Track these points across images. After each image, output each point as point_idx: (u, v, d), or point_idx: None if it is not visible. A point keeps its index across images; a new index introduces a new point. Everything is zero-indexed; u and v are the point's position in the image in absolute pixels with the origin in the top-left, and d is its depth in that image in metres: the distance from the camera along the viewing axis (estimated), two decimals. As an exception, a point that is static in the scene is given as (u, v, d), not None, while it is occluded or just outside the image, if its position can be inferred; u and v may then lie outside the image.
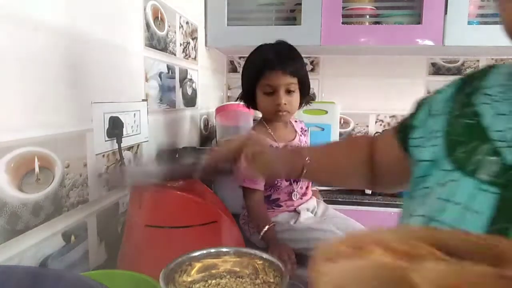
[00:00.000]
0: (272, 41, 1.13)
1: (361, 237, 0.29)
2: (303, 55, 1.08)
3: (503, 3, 0.44)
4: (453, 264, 0.26)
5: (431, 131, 0.57)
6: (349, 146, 0.76)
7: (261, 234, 0.93)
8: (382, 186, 0.74)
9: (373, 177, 0.71)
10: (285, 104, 1.02)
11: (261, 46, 1.07)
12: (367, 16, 1.51)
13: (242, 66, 1.12)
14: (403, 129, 0.64)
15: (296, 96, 1.03)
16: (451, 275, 0.25)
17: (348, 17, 1.48)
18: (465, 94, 0.56)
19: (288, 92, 1.02)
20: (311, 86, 1.10)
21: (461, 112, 0.54)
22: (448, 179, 0.49)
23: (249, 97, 1.08)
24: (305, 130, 1.15)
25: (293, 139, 1.07)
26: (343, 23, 1.45)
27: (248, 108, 1.11)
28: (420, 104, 0.63)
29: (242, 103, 1.12)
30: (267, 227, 0.93)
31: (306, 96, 1.07)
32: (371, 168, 0.70)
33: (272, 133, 1.05)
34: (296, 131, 1.10)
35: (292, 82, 1.01)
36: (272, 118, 1.04)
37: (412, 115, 0.63)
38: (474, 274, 0.25)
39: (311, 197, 1.10)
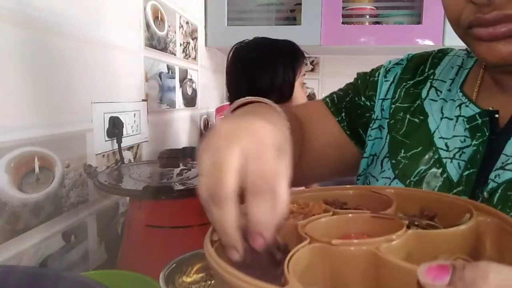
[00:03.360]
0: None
1: None
2: (303, 55, 1.08)
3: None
4: (341, 215, 0.31)
5: (382, 120, 0.53)
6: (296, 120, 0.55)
7: None
8: (305, 173, 0.58)
9: (300, 161, 0.56)
10: None
11: None
12: (367, 16, 1.51)
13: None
14: (351, 109, 0.56)
15: None
16: (337, 224, 0.31)
17: (348, 17, 1.48)
18: (414, 82, 0.52)
19: None
20: (311, 86, 1.10)
21: (408, 105, 0.51)
22: None
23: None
24: None
25: None
26: (343, 23, 1.45)
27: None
28: (371, 84, 0.56)
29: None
30: None
31: None
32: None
33: None
34: None
35: None
36: None
37: (366, 96, 0.56)
38: (355, 219, 0.31)
39: None
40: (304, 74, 1.09)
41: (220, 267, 0.23)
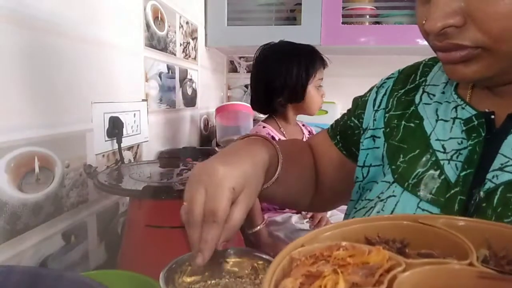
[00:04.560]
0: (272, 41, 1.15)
1: (308, 262, 0.25)
2: (303, 55, 1.10)
3: (416, 6, 0.44)
4: (424, 264, 0.23)
5: (375, 130, 0.54)
6: (299, 147, 0.65)
7: (253, 231, 0.96)
8: (326, 196, 0.65)
9: (317, 186, 0.64)
10: None
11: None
12: (367, 16, 1.51)
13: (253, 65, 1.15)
14: (344, 131, 0.61)
15: None
16: (429, 277, 0.22)
17: (348, 17, 1.48)
18: (406, 90, 0.54)
19: None
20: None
21: (402, 112, 0.52)
22: (389, 194, 0.47)
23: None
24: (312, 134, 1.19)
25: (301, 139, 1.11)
26: (343, 23, 1.45)
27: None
28: (362, 103, 0.59)
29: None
30: (259, 226, 0.97)
31: None
32: (316, 174, 0.64)
33: (283, 131, 1.12)
34: (303, 133, 1.15)
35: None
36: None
37: (355, 115, 0.59)
38: (453, 274, 0.22)
39: None
40: (321, 79, 1.12)
41: None
